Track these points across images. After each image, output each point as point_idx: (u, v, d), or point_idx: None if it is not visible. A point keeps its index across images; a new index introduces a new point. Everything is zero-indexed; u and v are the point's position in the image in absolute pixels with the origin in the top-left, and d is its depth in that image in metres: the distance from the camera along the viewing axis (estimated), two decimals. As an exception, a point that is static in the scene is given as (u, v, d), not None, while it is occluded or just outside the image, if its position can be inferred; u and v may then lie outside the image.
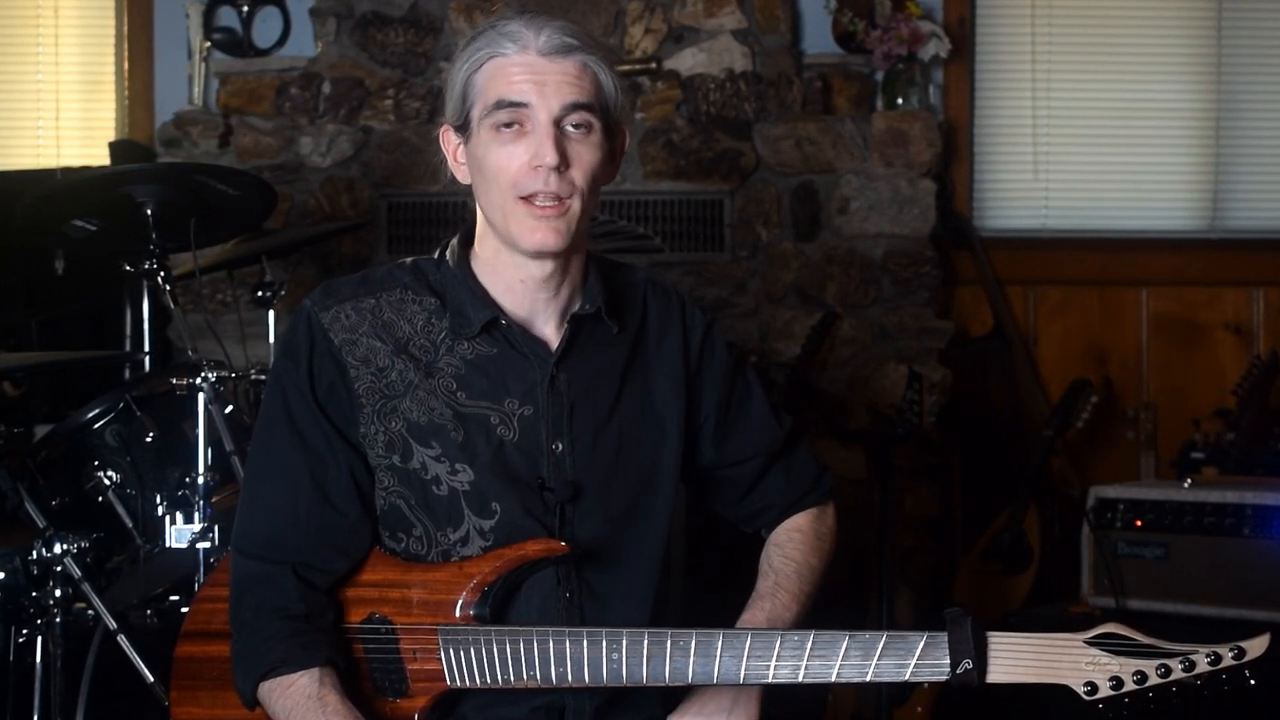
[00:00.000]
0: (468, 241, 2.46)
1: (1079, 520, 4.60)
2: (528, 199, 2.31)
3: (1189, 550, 4.36)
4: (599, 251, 2.56)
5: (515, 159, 2.31)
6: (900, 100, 5.67)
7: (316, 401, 2.36)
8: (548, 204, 2.31)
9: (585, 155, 2.33)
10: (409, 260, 2.49)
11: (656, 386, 2.49)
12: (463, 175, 2.43)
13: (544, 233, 2.32)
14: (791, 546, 2.55)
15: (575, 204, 2.33)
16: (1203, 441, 5.18)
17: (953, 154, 5.87)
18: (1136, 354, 5.98)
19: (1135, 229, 6.02)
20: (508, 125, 2.31)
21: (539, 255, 2.36)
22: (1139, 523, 4.45)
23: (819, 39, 5.78)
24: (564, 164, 2.30)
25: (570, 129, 2.32)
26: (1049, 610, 4.71)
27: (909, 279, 5.60)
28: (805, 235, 5.62)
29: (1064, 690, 2.16)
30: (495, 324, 2.39)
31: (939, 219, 5.67)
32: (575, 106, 2.30)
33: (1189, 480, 4.56)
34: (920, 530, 5.59)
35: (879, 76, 5.74)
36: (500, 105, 2.31)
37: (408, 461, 2.35)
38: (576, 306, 2.44)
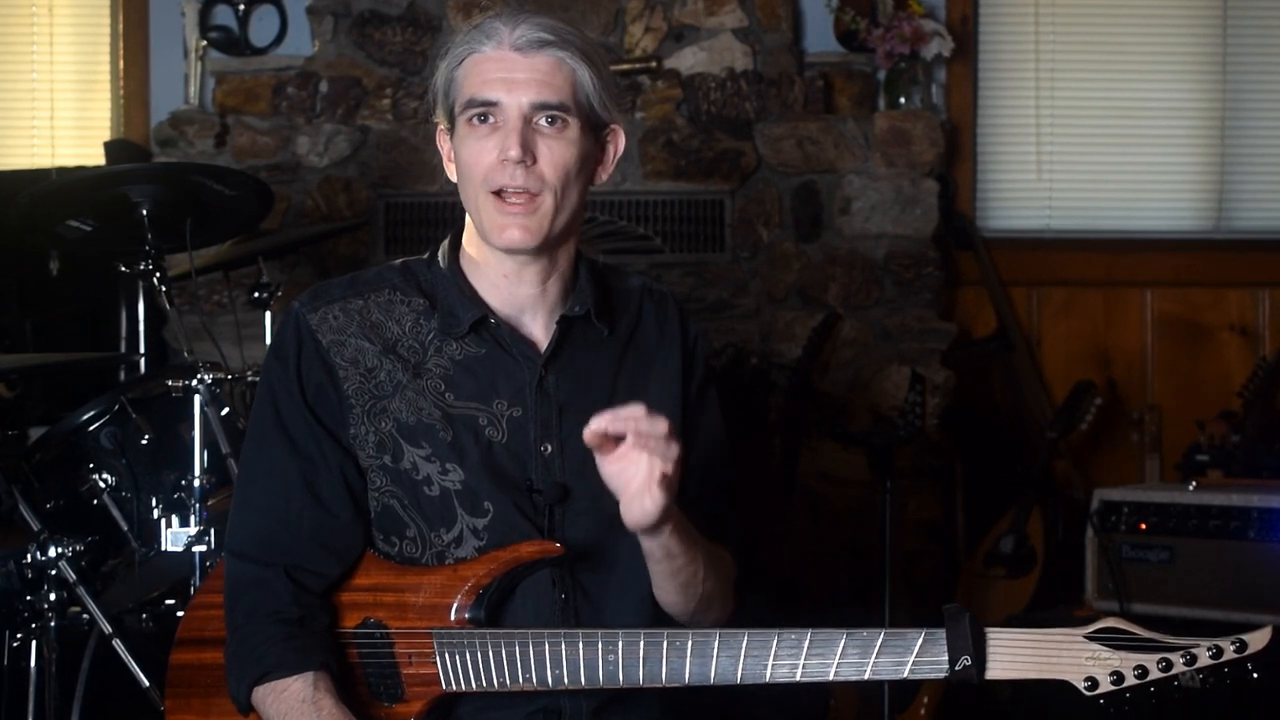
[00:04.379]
0: (458, 242, 2.47)
1: (1083, 523, 4.59)
2: (498, 194, 2.32)
3: (1194, 553, 4.35)
4: (599, 252, 2.53)
5: (486, 154, 2.32)
6: (902, 99, 5.66)
7: (306, 403, 2.36)
8: (516, 201, 2.32)
9: (557, 150, 2.33)
10: (399, 261, 2.50)
11: (652, 390, 2.47)
12: (453, 174, 2.44)
13: (513, 229, 2.32)
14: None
15: (547, 200, 2.33)
16: (1207, 444, 5.16)
17: (955, 154, 5.85)
18: (1141, 356, 5.96)
19: (1140, 229, 6.01)
20: (481, 119, 2.32)
21: (511, 252, 2.36)
22: (1143, 526, 4.44)
23: (820, 37, 5.77)
24: (530, 158, 2.30)
25: (542, 124, 2.32)
26: (1053, 614, 4.70)
27: (911, 280, 5.58)
28: (807, 236, 5.59)
29: (1064, 686, 2.14)
30: (484, 323, 2.39)
31: (942, 219, 5.66)
32: (544, 106, 2.31)
33: (1194, 483, 4.55)
34: (923, 533, 5.57)
35: (881, 75, 5.73)
36: (472, 103, 2.32)
37: (399, 462, 2.34)
38: (566, 307, 2.43)
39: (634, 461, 2.19)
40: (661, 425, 2.16)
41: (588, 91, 2.35)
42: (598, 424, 2.16)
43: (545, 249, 2.37)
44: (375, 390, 2.35)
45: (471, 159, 2.33)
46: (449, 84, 2.37)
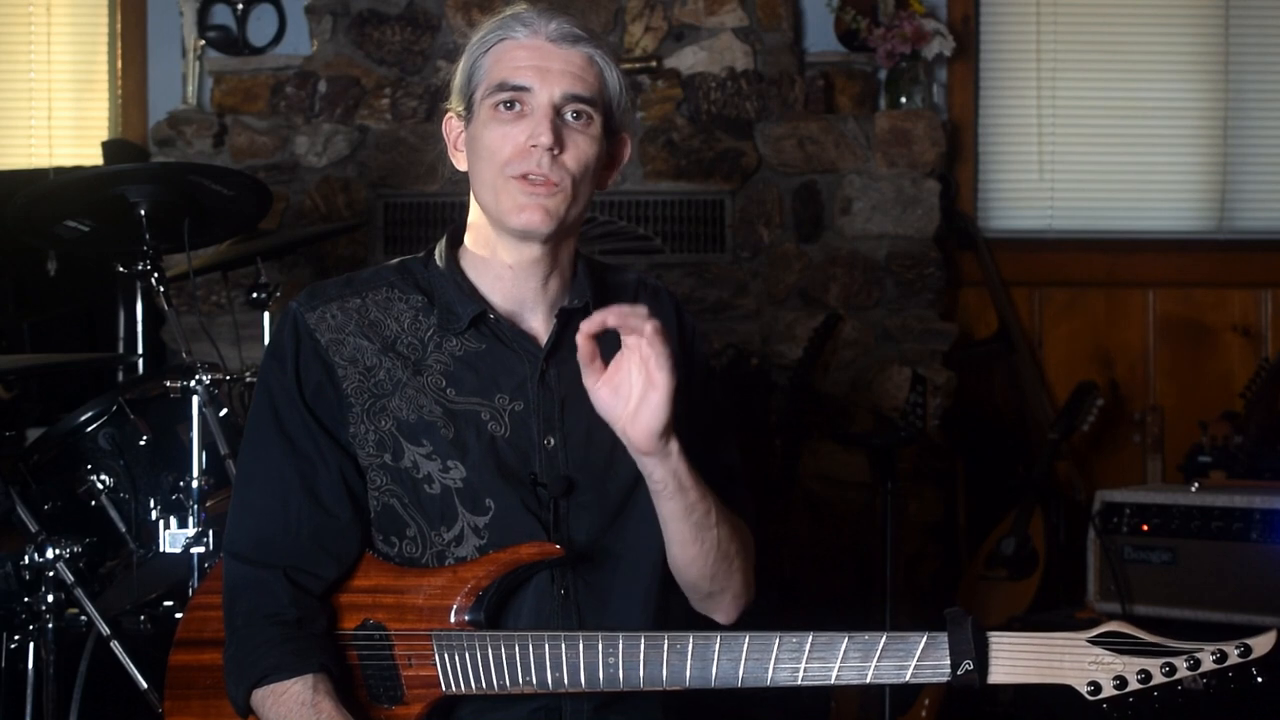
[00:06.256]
0: (456, 241, 2.47)
1: (1085, 525, 4.58)
2: (520, 178, 2.32)
3: (1196, 555, 4.34)
4: (597, 252, 2.53)
5: (511, 139, 2.32)
6: (904, 99, 5.65)
7: (304, 403, 2.35)
8: (539, 184, 2.31)
9: (581, 145, 2.34)
10: (395, 260, 2.50)
11: None
12: (460, 162, 2.44)
13: (532, 210, 2.32)
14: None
15: (566, 189, 2.33)
16: (1210, 445, 5.15)
17: (957, 154, 5.85)
18: (1143, 356, 5.96)
19: (1142, 229, 6.00)
20: (508, 106, 2.33)
21: (526, 236, 2.35)
22: (1145, 527, 4.43)
23: (821, 37, 5.76)
24: (559, 148, 2.31)
25: (569, 117, 2.33)
26: (1055, 616, 4.69)
27: (913, 280, 5.57)
28: (807, 236, 5.58)
29: (1067, 689, 2.13)
30: (483, 318, 2.39)
31: (943, 219, 5.65)
32: (576, 98, 2.33)
33: (1196, 484, 4.54)
34: (924, 535, 5.56)
35: (882, 75, 5.72)
36: (503, 87, 2.33)
37: (399, 460, 2.33)
38: (565, 301, 2.43)
39: (624, 371, 2.21)
40: (641, 308, 2.19)
41: (612, 93, 2.38)
42: (588, 326, 2.17)
43: (554, 238, 2.37)
44: (375, 389, 2.35)
45: (495, 143, 2.33)
46: (474, 69, 2.37)
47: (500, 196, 2.33)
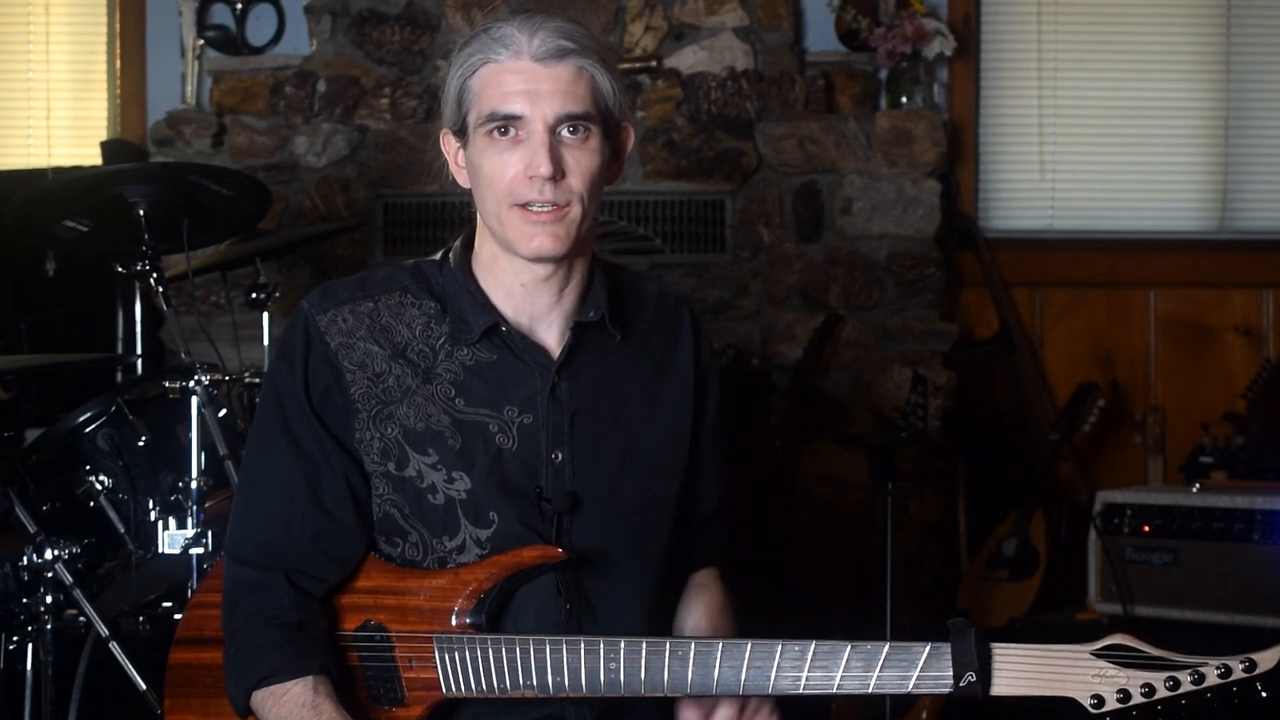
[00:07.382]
0: (470, 244, 2.43)
1: (1086, 526, 4.57)
2: (524, 206, 2.28)
3: (1198, 556, 4.34)
4: (603, 254, 2.50)
5: (510, 167, 2.28)
6: (904, 99, 5.64)
7: (311, 406, 2.33)
8: (544, 211, 2.28)
9: (583, 161, 2.29)
10: (410, 262, 2.46)
11: (663, 398, 2.46)
12: (463, 179, 2.40)
13: (541, 238, 2.28)
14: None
15: (574, 209, 2.29)
16: (1211, 445, 5.15)
17: (958, 154, 5.84)
18: (1144, 357, 5.95)
19: (1143, 230, 5.99)
20: (502, 132, 2.28)
21: (537, 260, 2.32)
22: (1147, 528, 4.42)
23: (822, 36, 5.76)
24: (559, 173, 2.27)
25: (566, 135, 2.28)
26: (1055, 617, 4.69)
27: (913, 280, 5.56)
28: (808, 236, 5.57)
29: (1069, 703, 2.12)
30: (495, 330, 2.36)
31: (944, 220, 5.64)
32: (569, 116, 2.27)
33: (1197, 485, 4.52)
34: (925, 536, 5.55)
35: (883, 75, 5.71)
36: (494, 116, 2.28)
37: (403, 469, 2.32)
38: (580, 313, 2.39)
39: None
40: None
41: (606, 97, 2.31)
42: None
43: (568, 256, 2.34)
44: (383, 395, 2.32)
45: (494, 172, 2.28)
46: (462, 92, 2.31)
47: (507, 226, 2.30)
